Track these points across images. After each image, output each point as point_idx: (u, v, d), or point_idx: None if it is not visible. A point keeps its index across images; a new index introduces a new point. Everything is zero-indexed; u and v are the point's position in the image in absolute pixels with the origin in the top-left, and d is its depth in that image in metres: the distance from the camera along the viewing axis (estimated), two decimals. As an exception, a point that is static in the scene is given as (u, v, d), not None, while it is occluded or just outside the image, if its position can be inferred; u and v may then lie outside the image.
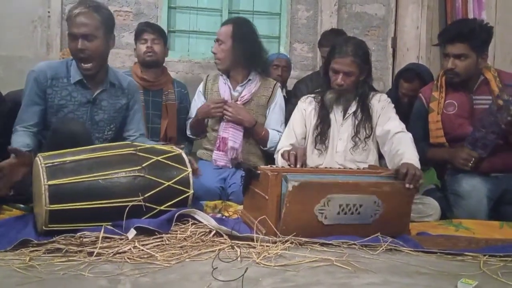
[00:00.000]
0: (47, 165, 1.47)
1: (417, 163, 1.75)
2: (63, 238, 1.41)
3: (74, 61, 1.97)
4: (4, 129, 1.95)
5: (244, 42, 2.39)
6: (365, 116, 2.14)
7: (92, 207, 1.47)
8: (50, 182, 1.43)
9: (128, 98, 2.12)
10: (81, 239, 1.40)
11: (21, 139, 1.82)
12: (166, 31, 3.43)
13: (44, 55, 3.38)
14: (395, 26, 3.67)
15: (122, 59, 3.36)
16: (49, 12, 3.39)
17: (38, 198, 1.50)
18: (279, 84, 2.59)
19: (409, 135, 2.01)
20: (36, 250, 1.36)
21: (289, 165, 1.90)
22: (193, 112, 2.55)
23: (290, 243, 1.47)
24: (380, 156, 2.17)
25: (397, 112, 2.18)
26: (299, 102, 2.32)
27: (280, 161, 2.14)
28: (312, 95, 2.29)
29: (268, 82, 2.53)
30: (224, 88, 2.47)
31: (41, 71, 1.93)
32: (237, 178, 2.20)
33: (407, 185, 1.61)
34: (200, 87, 2.57)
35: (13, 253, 1.33)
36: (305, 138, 2.26)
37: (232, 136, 2.35)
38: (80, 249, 1.36)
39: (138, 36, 2.65)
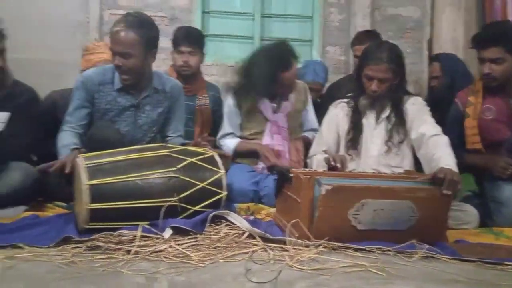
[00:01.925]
0: (87, 165, 1.53)
1: (455, 168, 1.71)
2: (102, 236, 1.47)
3: None
4: (38, 128, 2.04)
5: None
6: (399, 120, 2.11)
7: (130, 206, 1.52)
8: (91, 182, 1.49)
9: (171, 101, 2.15)
10: (119, 237, 1.45)
11: (67, 138, 1.89)
12: (199, 35, 3.53)
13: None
14: (431, 28, 3.59)
15: (157, 63, 3.38)
16: (87, 18, 3.51)
17: (79, 197, 1.56)
18: (306, 84, 2.61)
19: (445, 138, 1.96)
20: (77, 247, 1.42)
21: (334, 167, 1.89)
22: (226, 127, 2.48)
23: (323, 247, 1.47)
24: (416, 161, 2.13)
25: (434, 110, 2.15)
26: (330, 107, 2.31)
27: (315, 166, 2.13)
28: (345, 100, 2.28)
29: (298, 85, 2.54)
30: (261, 100, 2.43)
31: (89, 76, 2.03)
32: (269, 181, 2.21)
33: (444, 191, 1.58)
34: (230, 101, 2.47)
35: (56, 250, 1.39)
36: (337, 144, 2.24)
37: (286, 148, 2.40)
38: (118, 247, 1.40)
39: (175, 44, 2.67)
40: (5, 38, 1.92)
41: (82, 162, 1.54)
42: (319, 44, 3.59)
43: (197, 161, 1.68)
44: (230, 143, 2.47)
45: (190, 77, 2.68)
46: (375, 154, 2.13)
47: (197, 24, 3.52)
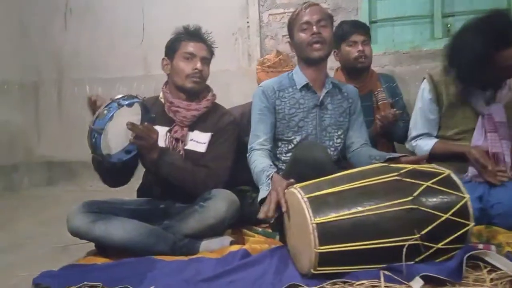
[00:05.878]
0: (310, 199, 1.27)
1: None
2: (332, 283, 1.21)
3: (296, 69, 1.97)
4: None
5: None
6: None
7: (364, 247, 1.22)
8: (318, 220, 1.22)
9: (349, 102, 1.99)
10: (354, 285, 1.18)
11: (261, 161, 1.73)
12: (367, 23, 3.14)
13: (246, 67, 3.41)
14: None
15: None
16: (248, 22, 3.40)
17: (300, 235, 1.32)
18: None
19: None
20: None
21: None
22: (420, 126, 2.08)
23: None
24: None
25: None
26: None
27: None
28: None
29: None
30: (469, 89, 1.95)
31: (267, 85, 1.95)
32: (502, 195, 1.74)
33: None
34: (426, 92, 2.05)
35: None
36: None
37: (506, 149, 1.88)
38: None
39: (345, 37, 2.40)
40: (213, 52, 2.02)
41: (302, 194, 1.29)
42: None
43: (434, 185, 1.31)
44: (424, 144, 2.06)
45: (364, 71, 2.42)
46: None
47: (364, 11, 3.15)
